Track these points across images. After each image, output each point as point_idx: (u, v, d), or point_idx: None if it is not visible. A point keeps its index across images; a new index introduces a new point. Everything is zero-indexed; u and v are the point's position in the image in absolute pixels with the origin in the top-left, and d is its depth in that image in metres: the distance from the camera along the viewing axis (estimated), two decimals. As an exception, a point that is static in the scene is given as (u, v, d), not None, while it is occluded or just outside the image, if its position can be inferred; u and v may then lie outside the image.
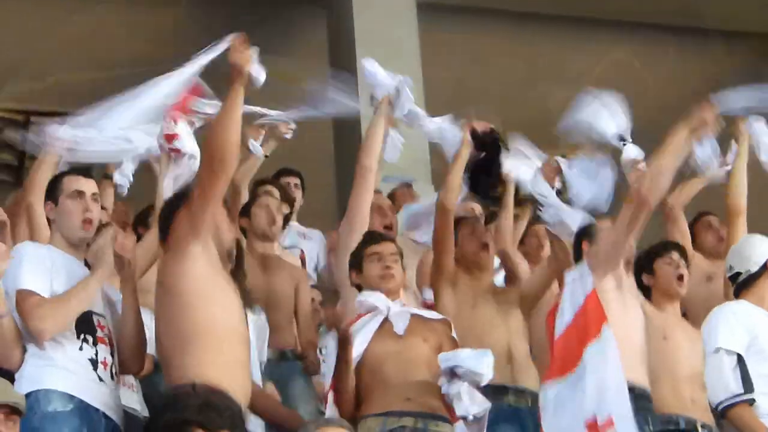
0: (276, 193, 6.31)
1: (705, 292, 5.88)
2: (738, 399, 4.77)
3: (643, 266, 5.35)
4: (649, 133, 5.28)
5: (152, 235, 5.02)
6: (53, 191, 4.67)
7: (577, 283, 4.82)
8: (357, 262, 4.99)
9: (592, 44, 10.53)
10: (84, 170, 5.02)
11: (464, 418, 4.55)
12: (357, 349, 4.61)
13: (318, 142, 7.34)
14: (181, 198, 4.37)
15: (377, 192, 5.82)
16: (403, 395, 4.62)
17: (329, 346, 5.13)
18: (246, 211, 6.05)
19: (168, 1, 9.85)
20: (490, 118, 5.80)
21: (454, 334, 4.89)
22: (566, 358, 4.69)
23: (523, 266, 5.83)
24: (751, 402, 4.72)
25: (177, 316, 4.19)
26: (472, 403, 4.52)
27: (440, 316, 4.95)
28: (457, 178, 5.65)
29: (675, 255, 5.44)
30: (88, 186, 4.69)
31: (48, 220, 4.74)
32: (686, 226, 6.39)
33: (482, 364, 4.50)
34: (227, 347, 4.19)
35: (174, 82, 4.53)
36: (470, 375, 4.49)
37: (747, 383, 4.71)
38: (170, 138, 5.29)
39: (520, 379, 5.29)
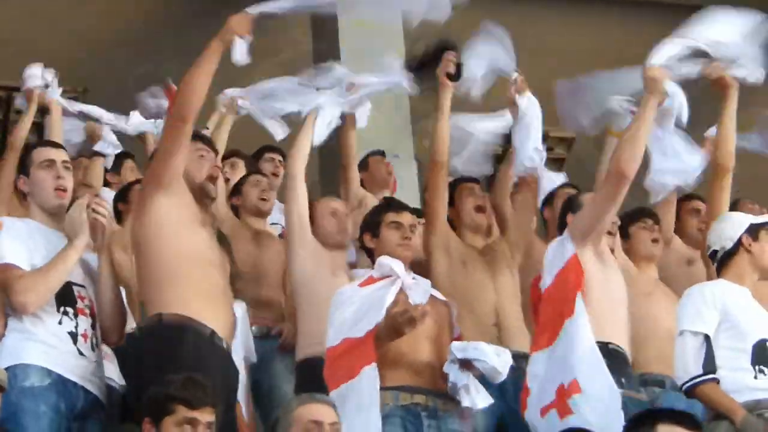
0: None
1: (686, 274, 5.82)
2: (697, 380, 4.67)
3: (620, 232, 5.38)
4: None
5: None
6: (24, 164, 4.68)
7: (557, 250, 4.86)
8: (374, 226, 4.95)
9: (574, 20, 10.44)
10: (53, 142, 5.15)
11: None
12: (378, 316, 4.51)
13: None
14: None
15: (332, 198, 5.77)
16: (414, 370, 4.59)
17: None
18: (238, 189, 6.15)
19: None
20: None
21: (454, 319, 4.88)
22: (547, 329, 4.75)
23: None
24: (717, 381, 4.65)
25: (147, 259, 4.32)
26: (478, 396, 4.53)
27: (443, 298, 4.91)
28: (443, 128, 5.62)
29: (648, 221, 5.57)
30: (59, 155, 4.69)
31: (23, 193, 4.73)
32: (674, 211, 6.28)
33: (503, 363, 4.48)
34: (199, 277, 4.29)
35: None
36: (490, 371, 4.47)
37: (709, 364, 4.63)
38: None
39: (506, 342, 5.22)
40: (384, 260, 4.72)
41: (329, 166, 7.22)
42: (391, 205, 5.14)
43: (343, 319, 4.60)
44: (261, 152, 7.04)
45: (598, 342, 4.65)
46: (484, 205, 5.70)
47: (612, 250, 5.15)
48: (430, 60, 5.68)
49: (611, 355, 4.71)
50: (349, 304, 4.64)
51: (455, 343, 4.56)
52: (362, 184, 6.60)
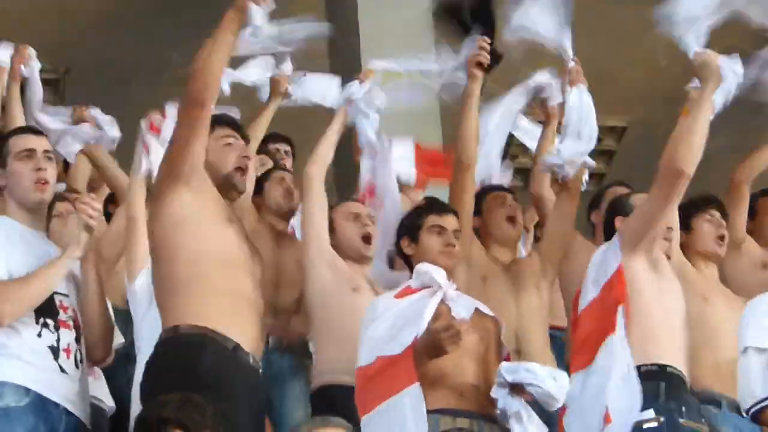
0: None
1: (760, 280, 5.48)
2: (764, 404, 4.46)
3: (679, 222, 5.08)
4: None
5: (120, 216, 5.16)
6: (0, 155, 4.46)
7: (604, 258, 4.63)
8: (413, 230, 4.71)
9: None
10: (33, 128, 5.01)
11: None
12: (416, 331, 4.29)
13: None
14: None
15: (352, 202, 5.60)
16: (457, 392, 4.32)
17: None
18: (260, 186, 5.93)
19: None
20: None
21: (502, 336, 4.66)
22: (589, 346, 4.53)
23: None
24: None
25: (164, 261, 4.13)
26: (531, 425, 4.25)
27: (492, 313, 4.67)
28: (470, 125, 5.32)
29: (715, 213, 5.29)
30: (39, 143, 4.48)
31: None
32: (746, 207, 5.97)
33: (560, 387, 4.20)
34: (223, 281, 4.09)
35: None
36: (544, 396, 4.20)
37: None
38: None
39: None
40: (424, 267, 4.46)
41: (345, 166, 6.82)
42: (433, 206, 4.87)
43: (378, 335, 4.34)
44: (266, 140, 6.61)
45: (653, 364, 4.43)
46: (515, 216, 5.46)
47: (668, 257, 4.86)
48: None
49: (668, 378, 4.44)
50: (383, 318, 4.38)
51: (505, 364, 4.28)
52: None
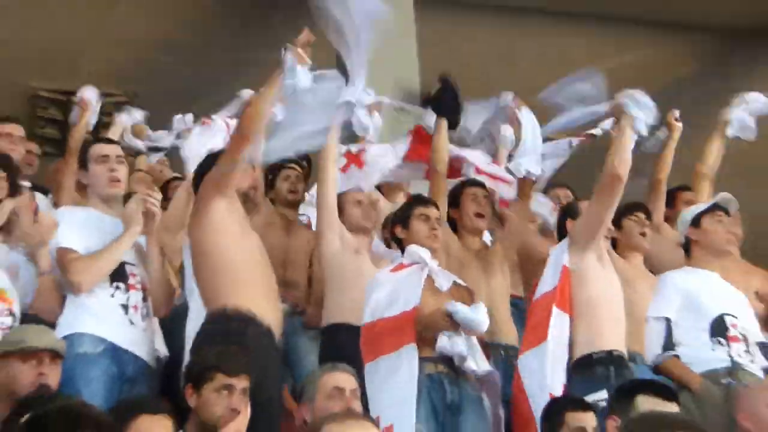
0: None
1: (674, 257, 5.64)
2: (659, 359, 4.86)
3: (612, 223, 5.23)
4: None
5: (181, 191, 5.32)
6: (83, 160, 4.76)
7: (556, 258, 4.80)
8: (404, 219, 4.96)
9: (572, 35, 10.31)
10: (108, 138, 5.28)
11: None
12: (414, 298, 4.57)
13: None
14: (211, 161, 4.45)
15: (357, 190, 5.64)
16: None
17: None
18: (272, 184, 6.11)
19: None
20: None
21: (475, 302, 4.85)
22: (537, 330, 4.70)
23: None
24: (678, 356, 4.79)
25: (207, 259, 4.29)
26: (481, 362, 4.57)
27: (465, 283, 4.88)
28: (442, 141, 5.69)
29: (641, 214, 5.48)
30: (112, 150, 4.78)
31: (83, 185, 4.82)
32: (664, 202, 6.26)
33: (479, 312, 4.47)
34: (251, 277, 4.27)
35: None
36: (468, 322, 4.44)
37: (669, 344, 4.77)
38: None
39: (496, 337, 5.17)
40: (413, 248, 4.76)
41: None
42: (420, 199, 5.19)
43: (378, 301, 4.61)
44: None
45: (602, 351, 4.64)
46: (483, 212, 5.58)
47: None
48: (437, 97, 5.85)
49: (615, 362, 4.64)
50: (384, 287, 4.65)
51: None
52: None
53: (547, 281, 4.78)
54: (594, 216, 4.82)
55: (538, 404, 4.45)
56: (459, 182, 5.71)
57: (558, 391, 4.49)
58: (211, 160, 4.45)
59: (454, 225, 5.57)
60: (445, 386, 4.49)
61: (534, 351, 4.65)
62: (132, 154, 6.56)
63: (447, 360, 4.52)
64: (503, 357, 5.08)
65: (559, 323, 4.63)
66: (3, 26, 9.15)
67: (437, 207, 5.12)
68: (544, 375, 4.54)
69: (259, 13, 9.05)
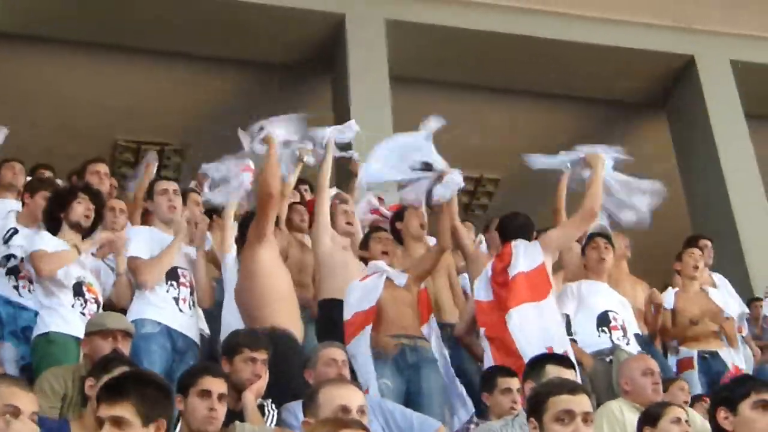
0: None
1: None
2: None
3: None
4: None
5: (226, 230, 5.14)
6: (150, 192, 4.81)
7: (530, 249, 4.61)
8: (365, 243, 5.03)
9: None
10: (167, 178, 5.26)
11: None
12: (375, 298, 4.64)
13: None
14: (250, 220, 4.46)
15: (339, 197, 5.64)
16: (401, 325, 4.65)
17: None
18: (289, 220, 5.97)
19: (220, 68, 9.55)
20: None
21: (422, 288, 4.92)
22: (528, 294, 4.50)
23: (469, 244, 5.44)
24: (575, 341, 4.76)
25: (252, 286, 4.28)
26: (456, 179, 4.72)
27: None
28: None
29: (600, 241, 5.17)
30: (170, 185, 4.81)
31: (148, 210, 4.88)
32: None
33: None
34: (284, 305, 4.28)
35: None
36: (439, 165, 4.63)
37: (567, 331, 4.71)
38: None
39: (443, 317, 5.18)
40: (373, 263, 4.89)
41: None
42: (377, 229, 5.26)
43: (354, 301, 4.71)
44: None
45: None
46: (424, 223, 5.47)
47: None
48: None
49: None
50: (356, 291, 4.76)
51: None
52: None
53: (521, 263, 4.55)
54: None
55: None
56: (402, 205, 5.57)
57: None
58: (250, 220, 4.44)
59: (399, 236, 5.42)
60: (406, 353, 4.55)
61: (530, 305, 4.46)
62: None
63: (409, 335, 4.59)
64: (449, 334, 5.07)
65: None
66: (95, 92, 9.18)
67: (386, 231, 5.19)
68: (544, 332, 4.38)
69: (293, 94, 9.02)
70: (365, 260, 4.99)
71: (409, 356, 4.55)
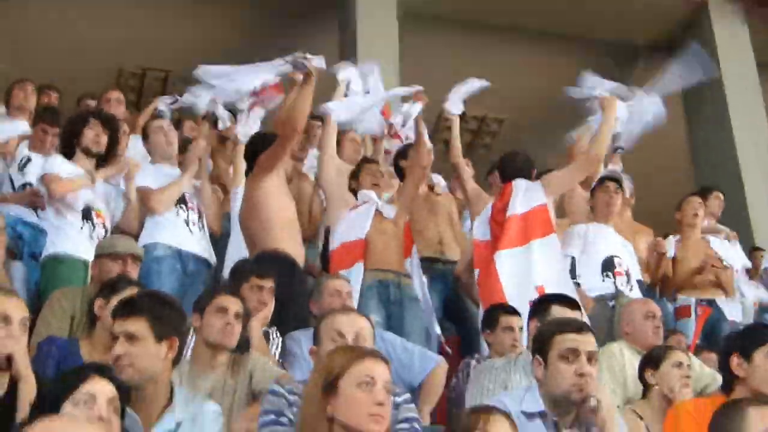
0: None
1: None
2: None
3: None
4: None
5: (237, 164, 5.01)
6: (145, 135, 4.90)
7: (531, 189, 4.60)
8: (357, 175, 4.96)
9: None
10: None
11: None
12: (364, 229, 4.60)
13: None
14: (263, 143, 4.34)
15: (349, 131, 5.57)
16: (386, 261, 4.62)
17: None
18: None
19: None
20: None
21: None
22: (517, 237, 4.49)
23: (470, 183, 5.39)
24: (579, 284, 4.77)
25: (258, 213, 4.25)
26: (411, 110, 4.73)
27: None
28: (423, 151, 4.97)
29: (611, 185, 5.14)
30: (164, 122, 4.97)
31: (149, 150, 4.92)
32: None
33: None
34: (288, 231, 4.27)
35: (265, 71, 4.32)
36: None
37: (572, 273, 4.74)
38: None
39: (447, 254, 5.24)
40: (364, 192, 4.84)
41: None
42: (365, 159, 5.22)
43: (342, 230, 4.70)
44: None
45: None
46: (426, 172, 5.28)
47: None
48: None
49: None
50: (344, 221, 4.73)
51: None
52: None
53: (520, 202, 4.56)
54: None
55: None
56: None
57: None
58: (261, 140, 4.37)
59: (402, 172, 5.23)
60: (390, 288, 4.53)
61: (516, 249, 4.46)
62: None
63: (393, 271, 4.57)
64: (451, 269, 5.12)
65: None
66: (102, 24, 9.10)
67: (378, 164, 5.12)
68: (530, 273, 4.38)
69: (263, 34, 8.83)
70: (355, 192, 4.92)
71: (393, 293, 4.53)
